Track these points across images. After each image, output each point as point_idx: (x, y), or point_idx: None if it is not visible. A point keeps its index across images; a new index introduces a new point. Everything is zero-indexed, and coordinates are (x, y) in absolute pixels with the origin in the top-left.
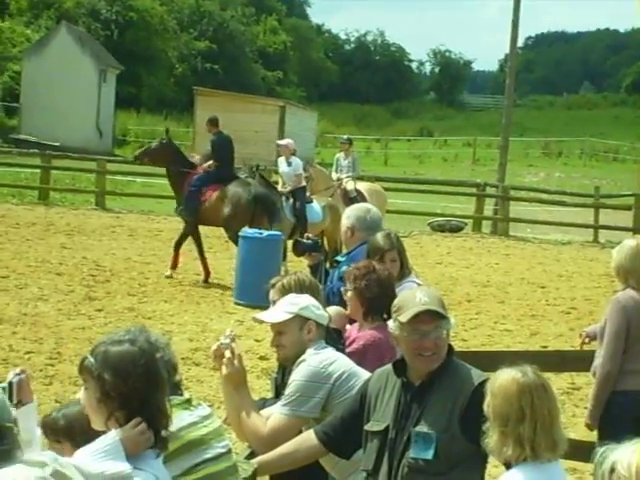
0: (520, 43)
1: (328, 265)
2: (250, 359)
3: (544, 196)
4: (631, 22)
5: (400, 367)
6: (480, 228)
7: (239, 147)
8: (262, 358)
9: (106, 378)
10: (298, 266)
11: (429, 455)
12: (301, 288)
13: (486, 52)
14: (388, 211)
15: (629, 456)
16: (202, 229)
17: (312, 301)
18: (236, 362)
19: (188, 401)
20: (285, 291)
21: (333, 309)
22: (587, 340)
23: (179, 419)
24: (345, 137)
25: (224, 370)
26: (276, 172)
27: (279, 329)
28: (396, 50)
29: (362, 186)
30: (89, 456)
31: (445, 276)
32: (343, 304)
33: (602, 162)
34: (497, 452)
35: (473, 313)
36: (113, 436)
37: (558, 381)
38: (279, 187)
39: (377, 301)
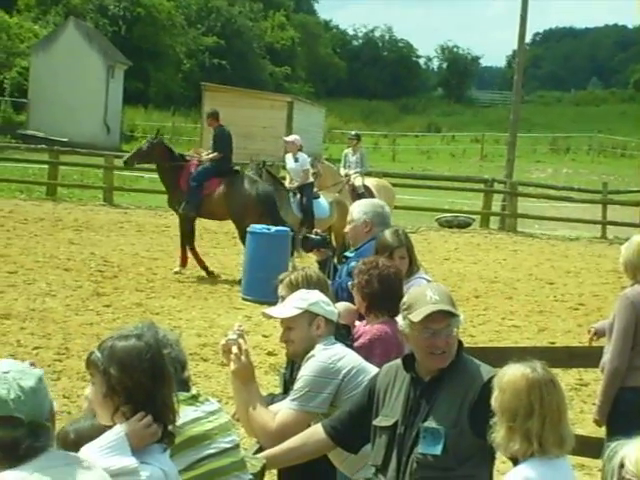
0: (528, 39)
1: (336, 261)
2: (258, 355)
3: (552, 192)
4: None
5: (409, 362)
6: (488, 224)
7: (247, 143)
8: (270, 354)
9: (112, 373)
10: (306, 262)
11: (438, 451)
12: (308, 284)
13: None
14: (396, 207)
15: (637, 451)
16: (210, 225)
17: (322, 297)
18: (243, 358)
19: (194, 397)
20: (293, 287)
21: (342, 305)
22: (595, 337)
23: (183, 415)
24: (353, 133)
25: (232, 366)
26: (284, 168)
27: (288, 324)
28: (404, 46)
29: (370, 182)
30: (95, 452)
31: (453, 272)
32: (352, 300)
33: (610, 158)
34: (504, 447)
35: (481, 309)
36: (118, 431)
37: (566, 377)
38: (286, 183)
39: (378, 297)
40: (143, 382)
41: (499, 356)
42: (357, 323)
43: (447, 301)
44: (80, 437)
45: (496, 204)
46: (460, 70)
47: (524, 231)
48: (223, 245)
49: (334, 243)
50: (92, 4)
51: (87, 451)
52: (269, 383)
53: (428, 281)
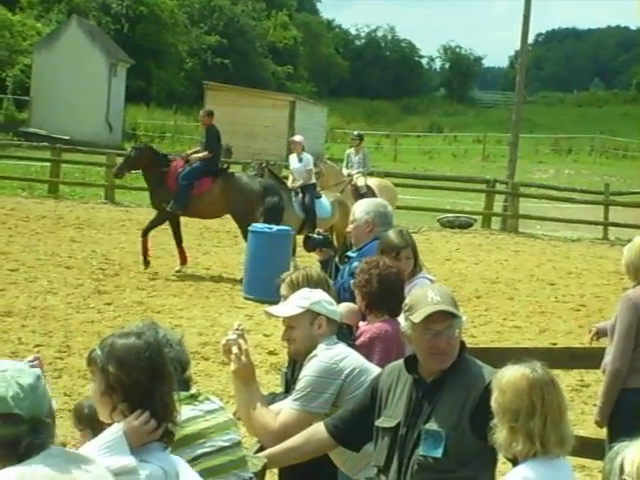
0: (530, 39)
1: (338, 260)
2: (259, 354)
3: (554, 193)
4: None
5: (411, 364)
6: (489, 224)
7: (249, 142)
8: (271, 353)
9: (110, 370)
10: (308, 261)
11: (438, 453)
12: (309, 283)
13: (496, 48)
14: (397, 207)
15: (637, 454)
16: (212, 224)
17: (325, 296)
18: (244, 358)
19: (192, 396)
20: (294, 286)
21: (345, 305)
22: (596, 337)
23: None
24: (356, 133)
25: (232, 366)
26: (286, 167)
27: (290, 323)
28: (406, 46)
29: (372, 182)
30: (93, 452)
31: (454, 272)
32: (354, 299)
33: (612, 159)
34: (505, 447)
35: (482, 309)
36: (115, 430)
37: (567, 378)
38: (289, 183)
39: (377, 296)
40: (140, 380)
41: (500, 357)
42: (361, 323)
43: (449, 302)
44: (92, 413)
45: (498, 205)
46: (462, 70)
47: (526, 232)
48: (225, 244)
49: (335, 243)
50: (95, 2)
51: (86, 451)
52: (270, 382)
53: (431, 281)
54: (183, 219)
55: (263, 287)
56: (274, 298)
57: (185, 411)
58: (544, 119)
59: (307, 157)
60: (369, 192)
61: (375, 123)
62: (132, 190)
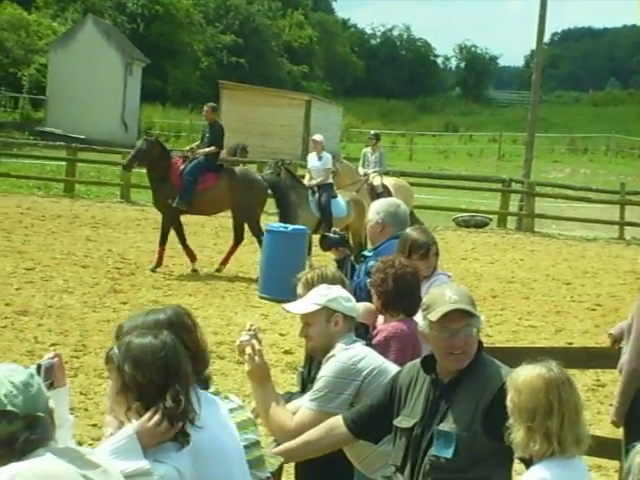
0: (546, 39)
1: (354, 259)
2: (275, 353)
3: (569, 192)
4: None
5: (429, 364)
6: (505, 224)
7: (264, 141)
8: (287, 352)
9: (126, 369)
10: (323, 260)
11: (449, 454)
12: (324, 283)
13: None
14: (413, 206)
15: None
16: (227, 223)
17: (342, 293)
18: (257, 358)
19: (217, 394)
20: (309, 286)
21: (362, 305)
22: (616, 344)
23: None
24: (372, 132)
25: (246, 366)
26: (302, 166)
27: (307, 320)
28: (422, 45)
29: (388, 181)
30: (107, 456)
31: (470, 272)
32: (370, 299)
33: (628, 158)
34: (522, 447)
35: (498, 309)
36: (128, 431)
37: (583, 378)
38: (305, 181)
39: (392, 296)
40: (155, 380)
41: (516, 356)
42: (379, 321)
43: (466, 301)
44: (129, 330)
45: (513, 204)
46: (478, 69)
47: (541, 231)
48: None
49: (351, 242)
50: (110, 1)
51: (99, 453)
52: (285, 381)
53: (449, 277)
54: (194, 218)
55: (278, 286)
56: (289, 297)
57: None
58: (560, 118)
59: (327, 156)
60: (385, 191)
61: (390, 122)
62: (148, 189)
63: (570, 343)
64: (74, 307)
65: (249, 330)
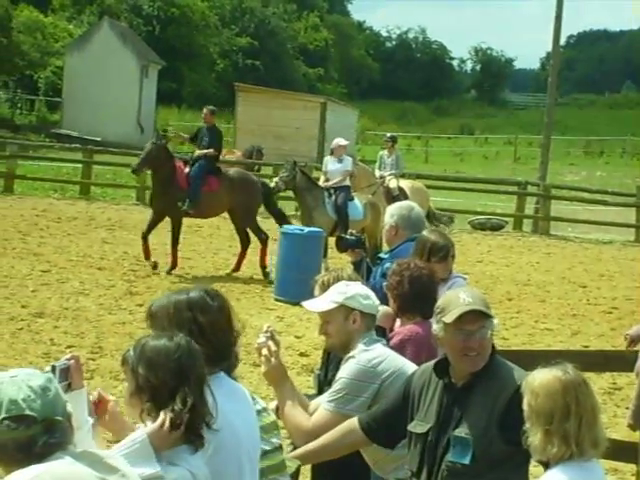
0: (562, 41)
1: (369, 261)
2: (290, 355)
3: (585, 195)
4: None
5: (442, 368)
6: (521, 227)
7: (279, 143)
8: (302, 354)
9: (139, 371)
10: (339, 263)
11: (466, 460)
12: None
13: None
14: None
15: None
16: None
17: (361, 290)
18: (273, 359)
19: None
20: (325, 288)
21: (380, 309)
22: (632, 345)
23: None
24: (389, 135)
25: (262, 368)
26: (317, 169)
27: (325, 318)
28: (437, 47)
29: (404, 184)
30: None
31: (485, 274)
32: (386, 301)
33: None
34: (540, 451)
35: (514, 312)
36: (140, 436)
37: (599, 381)
38: (320, 182)
39: (408, 298)
40: (167, 382)
41: (533, 360)
42: (397, 325)
43: (480, 303)
44: (156, 310)
45: (529, 207)
46: (493, 72)
47: (557, 234)
48: (255, 245)
49: (367, 244)
50: (126, 4)
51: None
52: (301, 384)
53: (464, 279)
54: (209, 221)
55: (294, 289)
56: (305, 300)
57: None
58: (575, 121)
59: (348, 159)
60: (401, 194)
61: (406, 125)
62: None
63: (586, 346)
64: (90, 309)
65: (265, 332)
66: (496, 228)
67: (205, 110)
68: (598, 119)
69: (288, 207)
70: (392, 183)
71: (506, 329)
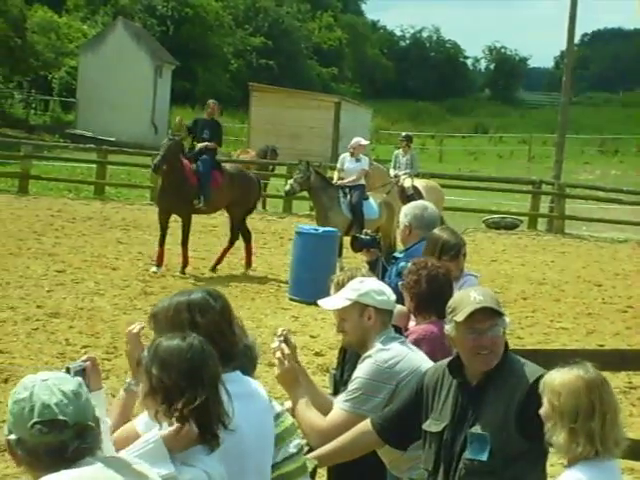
0: (576, 40)
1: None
2: (305, 355)
3: (600, 194)
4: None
5: (455, 367)
6: (535, 226)
7: (294, 143)
8: (317, 354)
9: (153, 372)
10: (354, 262)
11: (484, 457)
12: None
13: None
14: (443, 208)
15: None
16: (257, 225)
17: (375, 286)
18: (286, 363)
19: None
20: (339, 288)
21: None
22: None
23: None
24: (404, 134)
25: (275, 370)
26: (331, 168)
27: (341, 315)
28: (451, 47)
29: (419, 183)
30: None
31: (500, 274)
32: (401, 301)
33: None
34: (566, 450)
35: (529, 311)
36: (153, 437)
37: (615, 380)
38: (334, 181)
39: (426, 297)
40: (180, 382)
41: (550, 359)
42: (411, 324)
43: (491, 301)
44: (157, 311)
45: (544, 206)
46: (507, 71)
47: (572, 233)
48: (270, 245)
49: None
50: (140, 4)
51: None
52: (316, 383)
53: (476, 277)
54: (224, 220)
55: (309, 288)
56: (320, 299)
57: None
58: (590, 120)
59: (365, 158)
60: (416, 193)
61: (420, 124)
62: None
63: (602, 345)
64: (105, 309)
65: (279, 336)
66: (510, 227)
67: (212, 103)
68: (612, 118)
69: (303, 207)
70: (407, 182)
71: (521, 328)
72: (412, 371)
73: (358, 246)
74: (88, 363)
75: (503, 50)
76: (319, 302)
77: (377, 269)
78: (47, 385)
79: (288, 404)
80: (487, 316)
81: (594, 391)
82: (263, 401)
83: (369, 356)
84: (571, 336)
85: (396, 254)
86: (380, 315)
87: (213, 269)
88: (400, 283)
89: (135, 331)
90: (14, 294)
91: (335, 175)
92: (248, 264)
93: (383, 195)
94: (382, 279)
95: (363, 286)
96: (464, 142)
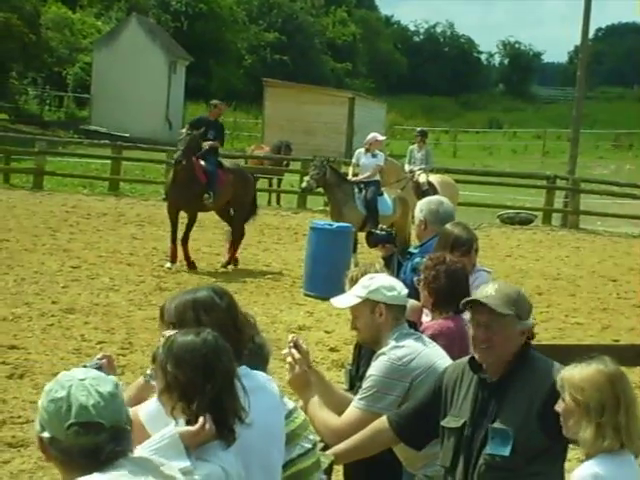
0: (590, 34)
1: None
2: (320, 350)
3: (615, 189)
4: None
5: (476, 363)
6: (550, 221)
7: (308, 138)
8: (332, 350)
9: (168, 368)
10: (369, 258)
11: (506, 452)
12: None
13: (556, 44)
14: (458, 203)
15: None
16: (272, 221)
17: (385, 282)
18: (297, 367)
19: None
20: (354, 283)
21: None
22: None
23: None
24: (419, 130)
25: (287, 376)
26: (345, 164)
27: (353, 313)
28: (465, 42)
29: (434, 178)
30: (148, 454)
31: (515, 269)
32: (416, 296)
33: None
34: (591, 444)
35: (544, 306)
36: (170, 431)
37: (630, 375)
38: (349, 177)
39: (445, 292)
40: (195, 379)
41: (566, 354)
42: (424, 319)
43: (499, 298)
44: (164, 309)
45: (558, 201)
46: (522, 66)
47: (587, 228)
48: (285, 241)
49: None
50: (154, 0)
51: (141, 453)
52: (331, 379)
53: (488, 272)
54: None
55: (323, 284)
56: (334, 295)
57: None
58: (604, 115)
59: (381, 154)
60: (431, 189)
61: (434, 119)
62: None
63: (617, 340)
64: (120, 305)
65: (290, 342)
66: (525, 222)
67: (221, 105)
68: (627, 112)
69: (317, 202)
70: (421, 178)
71: (536, 324)
72: (427, 368)
73: (373, 242)
74: (104, 361)
75: (517, 45)
76: (331, 300)
77: (392, 265)
78: (84, 385)
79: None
80: (484, 310)
81: (617, 384)
82: (271, 395)
83: (383, 353)
84: (586, 331)
85: (411, 249)
86: (391, 311)
87: (226, 266)
88: (416, 279)
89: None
90: (29, 290)
91: (350, 170)
92: (228, 261)
93: (397, 191)
94: (397, 275)
95: (373, 283)
96: (478, 137)
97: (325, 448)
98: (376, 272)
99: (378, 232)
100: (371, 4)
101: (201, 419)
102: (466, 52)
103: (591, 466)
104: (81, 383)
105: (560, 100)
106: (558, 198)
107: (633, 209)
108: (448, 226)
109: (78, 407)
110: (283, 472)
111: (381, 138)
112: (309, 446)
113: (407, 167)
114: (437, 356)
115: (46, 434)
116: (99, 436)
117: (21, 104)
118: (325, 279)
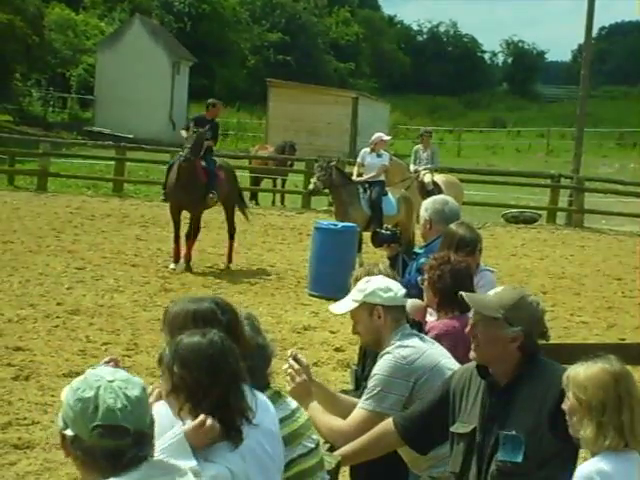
0: (594, 33)
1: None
2: (326, 351)
3: (619, 187)
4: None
5: (484, 367)
6: (554, 220)
7: (311, 138)
8: (338, 350)
9: (174, 370)
10: (373, 258)
11: (519, 458)
12: None
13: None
14: (462, 203)
15: None
16: (276, 221)
17: (381, 284)
18: (297, 377)
19: (277, 393)
20: (356, 283)
21: (410, 301)
22: None
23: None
24: (423, 129)
25: (288, 387)
26: (349, 163)
27: (353, 317)
28: (468, 41)
29: (439, 178)
30: (157, 455)
31: (520, 268)
32: (421, 296)
33: None
34: (593, 443)
35: (548, 305)
36: (176, 432)
37: (635, 374)
38: (354, 177)
39: (450, 292)
40: (202, 379)
41: (571, 353)
42: (428, 318)
43: (491, 301)
44: (166, 316)
45: (562, 199)
46: (525, 65)
47: (591, 227)
48: (289, 241)
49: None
50: (157, 1)
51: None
52: (337, 379)
53: (492, 272)
54: (242, 216)
55: (328, 284)
56: (339, 295)
57: (276, 411)
58: (608, 113)
59: (386, 154)
60: (436, 188)
61: (438, 119)
62: None
63: (622, 339)
64: (125, 306)
65: (289, 356)
66: (529, 221)
67: (218, 104)
68: (631, 111)
69: (321, 202)
70: (426, 177)
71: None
72: (431, 367)
73: (379, 242)
74: (111, 364)
75: (520, 44)
76: (329, 307)
77: (397, 264)
78: (113, 387)
79: None
80: (476, 310)
81: (621, 383)
82: (271, 416)
83: (388, 352)
84: (591, 330)
85: (416, 249)
86: (390, 312)
87: (228, 265)
88: (420, 279)
89: None
90: (34, 291)
91: (355, 170)
92: (229, 260)
93: (401, 190)
94: (403, 274)
95: (369, 286)
96: (482, 136)
97: (331, 449)
98: (380, 272)
99: (383, 232)
100: (374, 4)
101: (201, 415)
102: (469, 51)
103: (596, 462)
104: (109, 385)
105: (564, 99)
106: (562, 197)
107: (637, 207)
108: (452, 226)
109: (105, 409)
110: (285, 472)
111: (386, 138)
112: (312, 446)
113: (412, 167)
114: (441, 356)
115: (69, 432)
116: (123, 440)
117: (25, 106)
118: (330, 279)
